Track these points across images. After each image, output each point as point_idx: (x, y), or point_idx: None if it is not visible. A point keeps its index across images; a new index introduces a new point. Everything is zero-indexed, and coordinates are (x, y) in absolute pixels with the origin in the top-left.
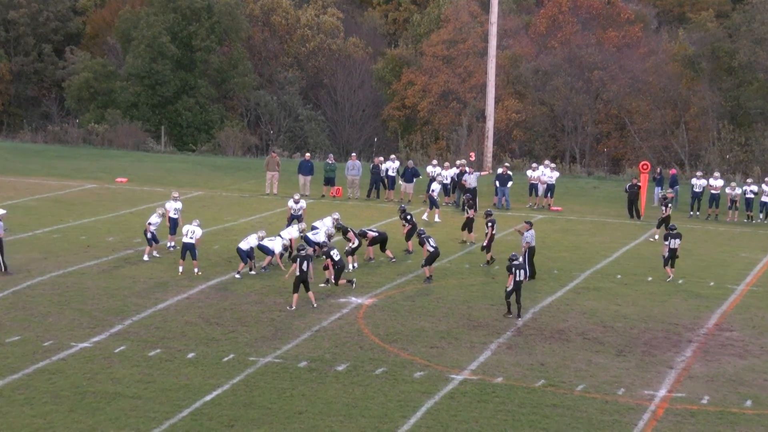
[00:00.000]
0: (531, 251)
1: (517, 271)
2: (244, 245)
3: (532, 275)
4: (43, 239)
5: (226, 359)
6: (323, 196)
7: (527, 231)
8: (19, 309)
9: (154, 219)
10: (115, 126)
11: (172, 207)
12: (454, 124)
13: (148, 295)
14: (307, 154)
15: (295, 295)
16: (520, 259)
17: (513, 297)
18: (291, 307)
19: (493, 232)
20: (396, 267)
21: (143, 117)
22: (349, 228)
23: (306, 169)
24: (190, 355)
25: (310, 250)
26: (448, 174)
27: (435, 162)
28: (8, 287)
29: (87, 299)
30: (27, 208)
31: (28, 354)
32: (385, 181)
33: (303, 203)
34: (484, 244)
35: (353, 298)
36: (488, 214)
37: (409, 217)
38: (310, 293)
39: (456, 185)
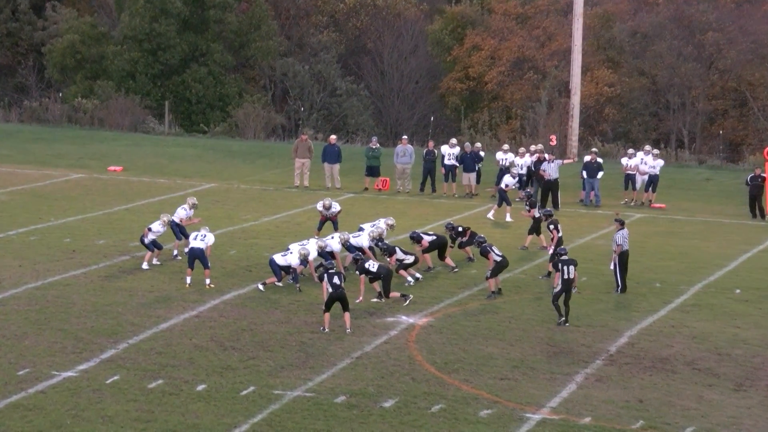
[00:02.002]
0: (623, 257)
1: (566, 268)
2: (282, 260)
3: (623, 288)
4: (18, 243)
5: (244, 392)
6: (365, 189)
7: (618, 231)
8: None
9: (156, 227)
10: (107, 101)
11: (183, 216)
12: (530, 100)
13: (147, 312)
14: (332, 137)
15: (327, 315)
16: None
17: (562, 299)
18: (324, 329)
19: (559, 235)
20: (456, 278)
21: (142, 90)
22: (396, 248)
23: (331, 155)
24: (200, 388)
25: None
26: (523, 162)
27: (506, 147)
28: None
29: (72, 317)
30: None
31: None
32: (443, 170)
33: (336, 207)
34: (551, 250)
35: (403, 317)
36: (548, 215)
37: (459, 230)
38: (347, 315)
39: (532, 176)
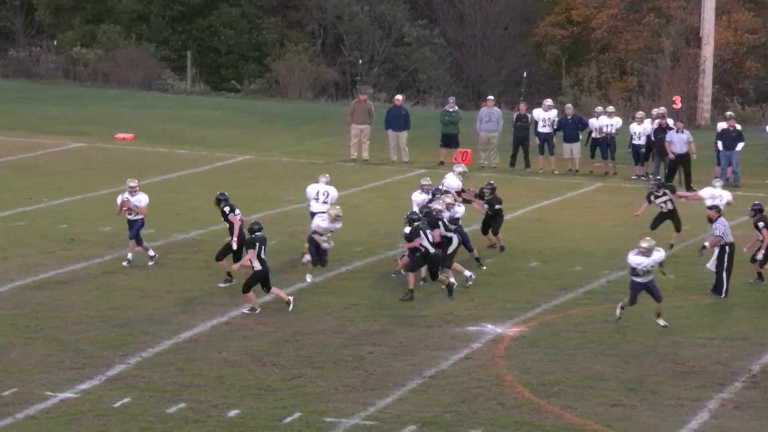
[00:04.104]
0: (727, 251)
1: None
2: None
3: (719, 289)
4: (1, 229)
5: (287, 420)
6: (441, 163)
7: (717, 221)
8: None
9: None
10: (112, 52)
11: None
12: (650, 51)
13: (165, 317)
14: (398, 97)
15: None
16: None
17: None
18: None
19: None
20: (555, 278)
21: (157, 38)
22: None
23: (397, 120)
24: (232, 413)
25: None
26: (641, 130)
27: (610, 109)
28: None
29: (69, 324)
30: None
31: None
32: (537, 141)
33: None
34: (761, 255)
35: (489, 326)
36: (757, 209)
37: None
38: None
39: (652, 148)
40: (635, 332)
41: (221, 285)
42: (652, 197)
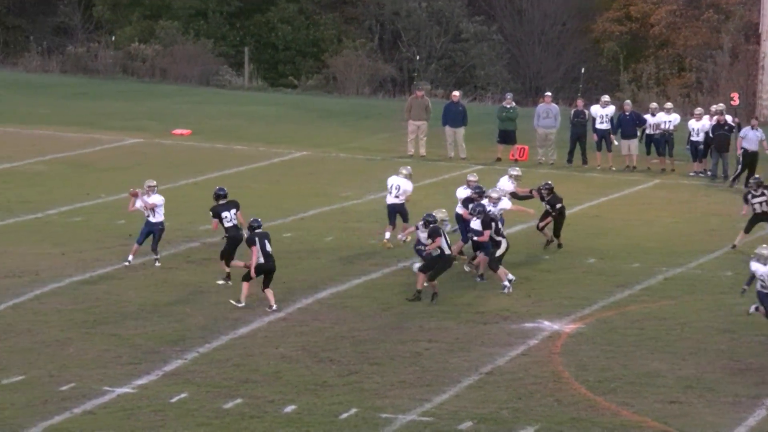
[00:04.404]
0: None
1: None
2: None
3: None
4: (59, 225)
5: (344, 416)
6: (498, 159)
7: None
8: (21, 333)
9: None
10: (170, 47)
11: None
12: (709, 47)
13: (222, 313)
14: (455, 93)
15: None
16: None
17: None
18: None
19: None
20: (612, 274)
21: (216, 33)
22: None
23: (454, 116)
24: (288, 409)
25: None
26: (698, 127)
27: (668, 105)
28: (2, 299)
29: (127, 319)
30: (31, 175)
31: (35, 403)
32: (594, 137)
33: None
34: None
35: (546, 323)
36: None
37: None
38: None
39: (710, 145)
40: (692, 329)
41: (219, 282)
42: (750, 197)
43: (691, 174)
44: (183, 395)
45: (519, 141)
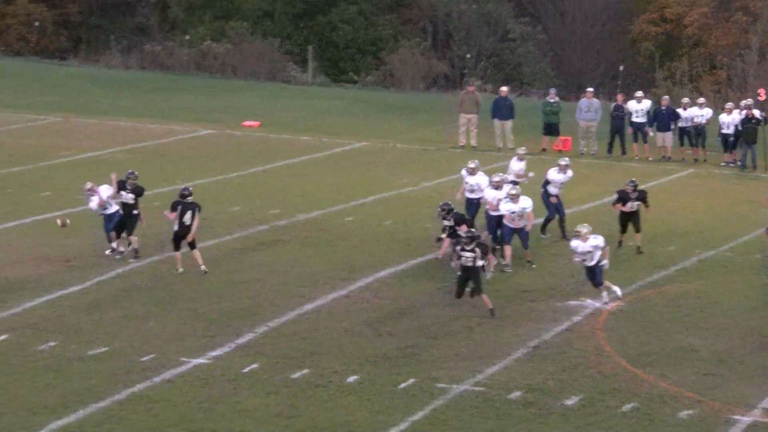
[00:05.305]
0: None
1: None
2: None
3: None
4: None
5: (403, 386)
6: (543, 150)
7: None
8: (106, 308)
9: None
10: (240, 46)
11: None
12: (739, 47)
13: (290, 291)
14: (504, 89)
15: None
16: None
17: None
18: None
19: None
20: (651, 256)
21: (282, 33)
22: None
23: (503, 110)
24: (351, 379)
25: None
26: (729, 120)
27: (701, 100)
28: (88, 276)
29: (202, 296)
30: (114, 164)
31: (119, 373)
32: (630, 130)
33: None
34: None
35: (589, 301)
36: None
37: (449, 221)
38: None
39: (740, 137)
40: (724, 308)
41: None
42: None
43: (723, 164)
44: (254, 366)
45: (562, 133)
